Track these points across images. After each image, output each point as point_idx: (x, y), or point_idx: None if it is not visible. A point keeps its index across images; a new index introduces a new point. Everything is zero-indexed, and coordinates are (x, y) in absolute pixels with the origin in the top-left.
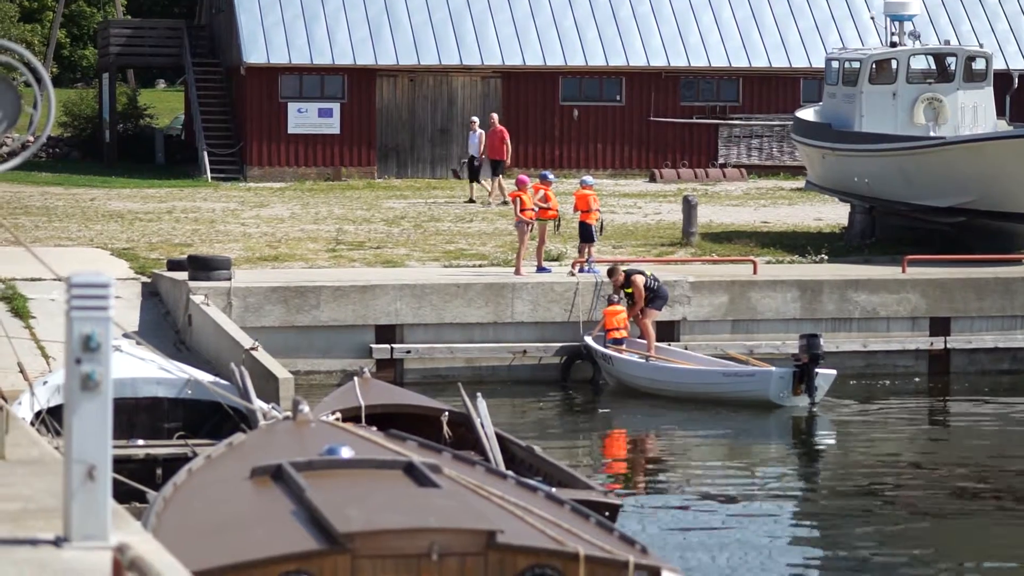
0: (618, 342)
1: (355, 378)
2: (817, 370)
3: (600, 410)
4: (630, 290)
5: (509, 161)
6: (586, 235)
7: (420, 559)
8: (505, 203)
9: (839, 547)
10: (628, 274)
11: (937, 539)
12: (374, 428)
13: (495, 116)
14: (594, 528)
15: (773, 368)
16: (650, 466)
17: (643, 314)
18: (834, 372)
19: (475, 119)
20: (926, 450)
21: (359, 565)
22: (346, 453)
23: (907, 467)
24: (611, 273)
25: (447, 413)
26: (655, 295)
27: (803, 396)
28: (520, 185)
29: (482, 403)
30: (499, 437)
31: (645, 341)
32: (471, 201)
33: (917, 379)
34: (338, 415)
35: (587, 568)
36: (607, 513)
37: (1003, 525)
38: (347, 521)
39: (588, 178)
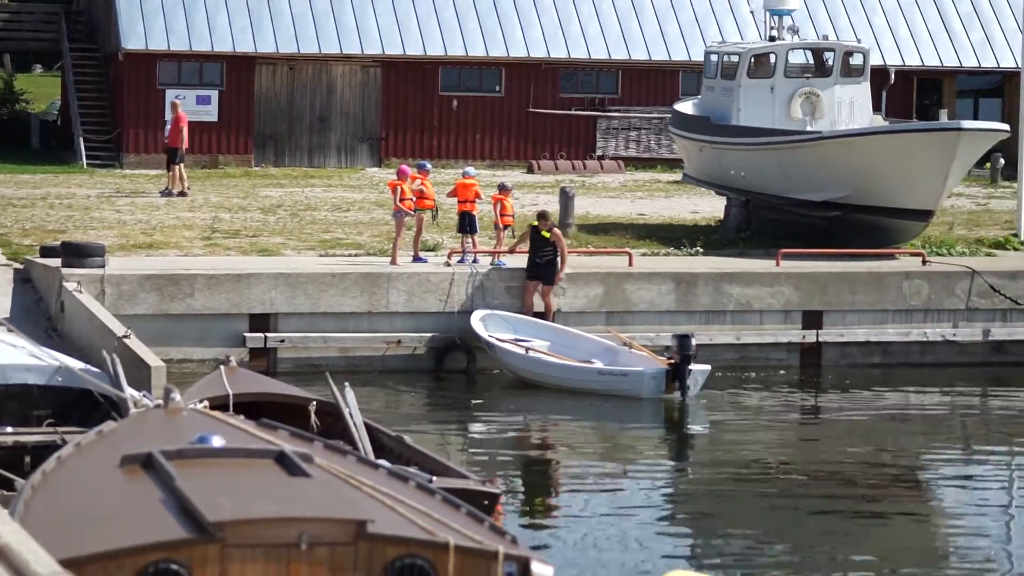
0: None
1: (221, 367)
2: (691, 367)
3: (474, 400)
4: (548, 234)
5: (185, 148)
6: (468, 225)
7: (290, 548)
8: (184, 193)
9: (711, 535)
10: (553, 225)
11: (803, 530)
12: (242, 417)
13: (177, 102)
14: (465, 518)
15: (644, 369)
16: (525, 455)
17: (543, 291)
18: (708, 368)
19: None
20: (795, 442)
21: (228, 554)
22: (217, 442)
23: (776, 458)
24: (543, 217)
25: (315, 402)
26: (542, 267)
27: (676, 393)
28: (400, 175)
29: (350, 392)
30: (368, 427)
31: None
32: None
33: (789, 372)
34: (205, 403)
35: (457, 558)
36: (486, 502)
37: (869, 517)
38: (217, 510)
39: (470, 169)
